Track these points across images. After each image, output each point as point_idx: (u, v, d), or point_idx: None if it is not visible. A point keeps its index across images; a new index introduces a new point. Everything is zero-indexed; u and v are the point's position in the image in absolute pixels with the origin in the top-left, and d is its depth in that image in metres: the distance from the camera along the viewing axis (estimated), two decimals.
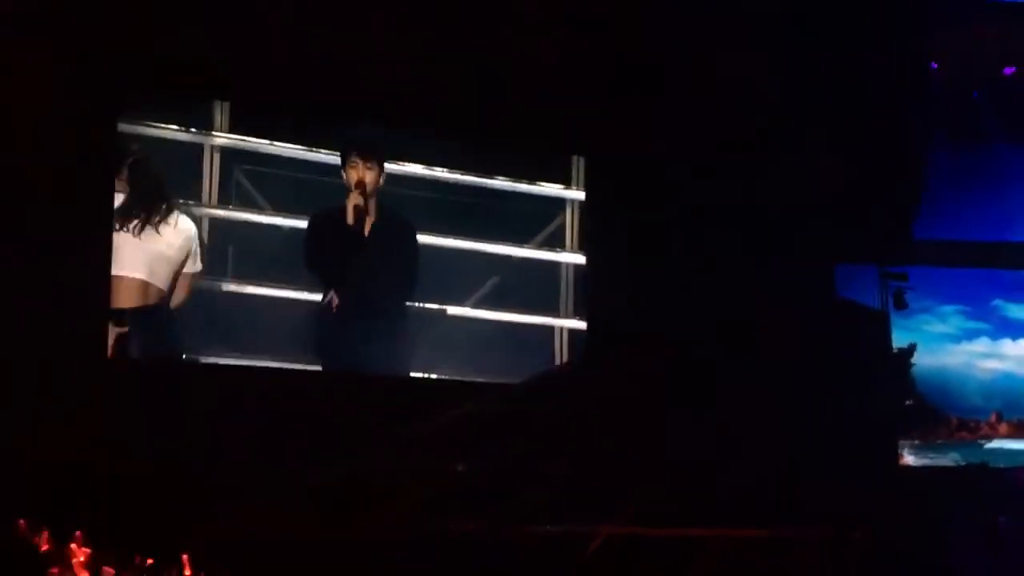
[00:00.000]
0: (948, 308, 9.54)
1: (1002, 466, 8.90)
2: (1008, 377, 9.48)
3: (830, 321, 8.25)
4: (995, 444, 9.13)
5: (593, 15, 7.49)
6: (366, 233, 7.09)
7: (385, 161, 7.15)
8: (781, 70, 7.97)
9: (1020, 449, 9.08)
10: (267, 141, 7.06)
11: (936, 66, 8.93)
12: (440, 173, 7.42)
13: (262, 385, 6.74)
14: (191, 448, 6.26)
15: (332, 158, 7.16)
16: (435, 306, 7.28)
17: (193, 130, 6.89)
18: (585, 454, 7.14)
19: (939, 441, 9.07)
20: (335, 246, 7.06)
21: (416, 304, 7.25)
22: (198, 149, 6.92)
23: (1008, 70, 9.32)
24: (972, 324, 9.67)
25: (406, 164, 7.32)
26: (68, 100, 6.25)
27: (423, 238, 7.28)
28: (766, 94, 7.91)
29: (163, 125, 6.77)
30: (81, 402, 6.06)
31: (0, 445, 5.76)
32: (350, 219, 7.05)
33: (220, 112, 6.92)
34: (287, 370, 7.03)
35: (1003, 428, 9.25)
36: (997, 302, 9.64)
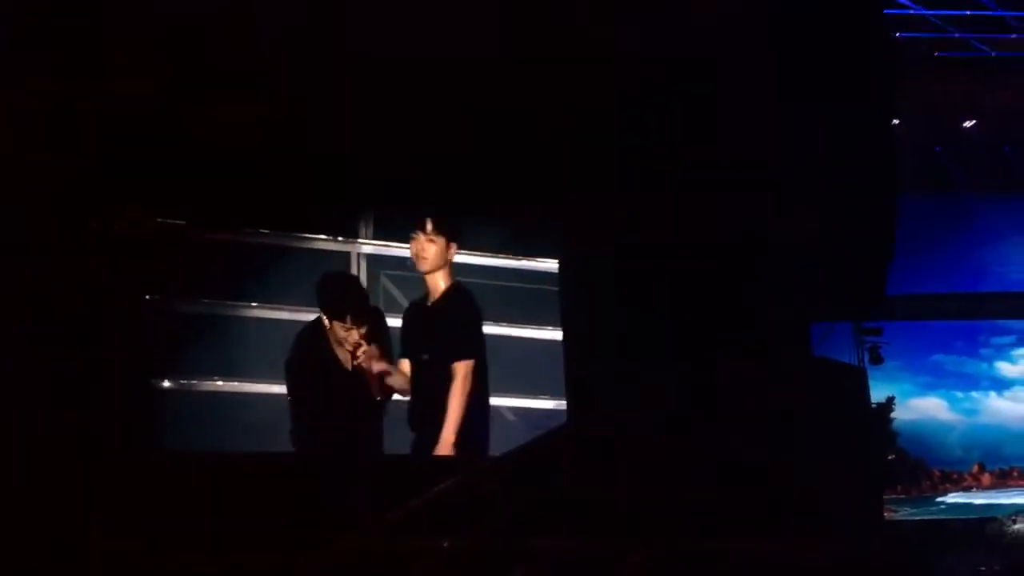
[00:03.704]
0: (892, 364, 9.60)
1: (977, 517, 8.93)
2: (984, 428, 9.53)
3: (809, 380, 8.21)
4: (980, 499, 9.16)
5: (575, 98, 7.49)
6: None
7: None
8: (748, 135, 8.00)
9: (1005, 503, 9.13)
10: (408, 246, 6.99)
11: (897, 122, 9.05)
12: None
13: (240, 470, 6.60)
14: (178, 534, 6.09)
15: (469, 258, 6.97)
16: None
17: (340, 239, 6.87)
18: (577, 524, 7.03)
19: (925, 495, 9.10)
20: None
21: None
22: (344, 257, 6.94)
23: (968, 123, 9.48)
24: (920, 379, 9.76)
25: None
26: None
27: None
28: (739, 161, 7.93)
29: (313, 236, 6.76)
30: None
31: None
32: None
33: (364, 220, 6.90)
34: (266, 453, 6.90)
35: (986, 479, 9.28)
36: (936, 357, 9.72)
